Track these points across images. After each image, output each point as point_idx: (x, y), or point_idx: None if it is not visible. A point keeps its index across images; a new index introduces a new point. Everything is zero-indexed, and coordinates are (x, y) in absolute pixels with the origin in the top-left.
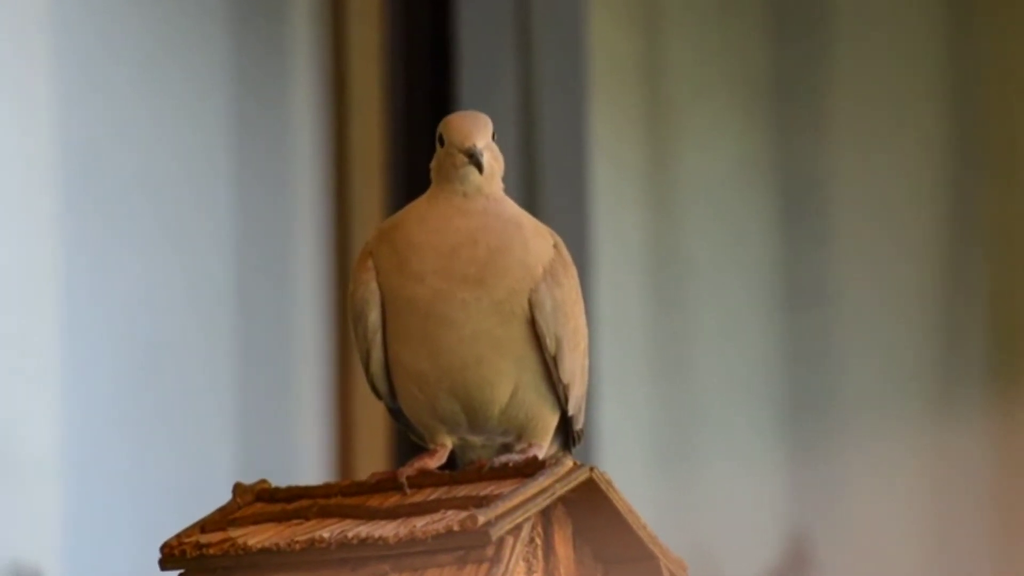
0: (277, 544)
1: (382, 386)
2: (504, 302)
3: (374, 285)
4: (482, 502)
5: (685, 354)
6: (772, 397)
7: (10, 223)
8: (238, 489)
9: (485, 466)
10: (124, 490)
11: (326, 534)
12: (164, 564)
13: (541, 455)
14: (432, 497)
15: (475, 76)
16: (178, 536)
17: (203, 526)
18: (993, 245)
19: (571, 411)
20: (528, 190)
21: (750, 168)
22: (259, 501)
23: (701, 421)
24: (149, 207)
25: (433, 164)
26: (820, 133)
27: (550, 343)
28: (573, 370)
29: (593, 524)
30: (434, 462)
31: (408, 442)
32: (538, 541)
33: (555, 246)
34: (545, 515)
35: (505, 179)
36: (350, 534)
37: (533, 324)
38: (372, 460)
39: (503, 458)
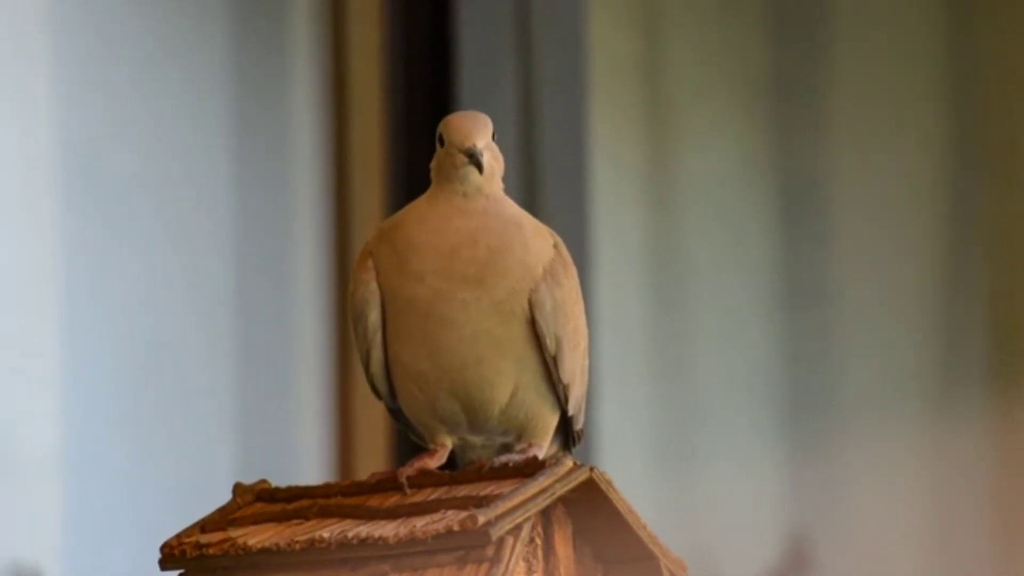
0: (277, 544)
1: (382, 386)
2: (504, 302)
3: (374, 285)
4: (482, 502)
5: (685, 354)
6: (772, 397)
7: (10, 223)
8: (238, 489)
9: (485, 466)
10: (124, 490)
11: (326, 534)
12: (164, 564)
13: (541, 455)
14: (432, 497)
15: (475, 76)
16: (178, 536)
17: (203, 526)
18: (993, 245)
19: (571, 411)
20: (528, 190)
21: (750, 168)
22: (259, 501)
23: (701, 421)
24: (149, 207)
25: (433, 164)
26: (820, 133)
27: (550, 343)
28: (573, 370)
29: (593, 524)
30: (434, 462)
31: (408, 442)
32: (538, 541)
33: (555, 246)
34: (545, 515)
35: (505, 179)
36: (350, 534)
37: (533, 324)
38: (372, 460)
39: (503, 458)
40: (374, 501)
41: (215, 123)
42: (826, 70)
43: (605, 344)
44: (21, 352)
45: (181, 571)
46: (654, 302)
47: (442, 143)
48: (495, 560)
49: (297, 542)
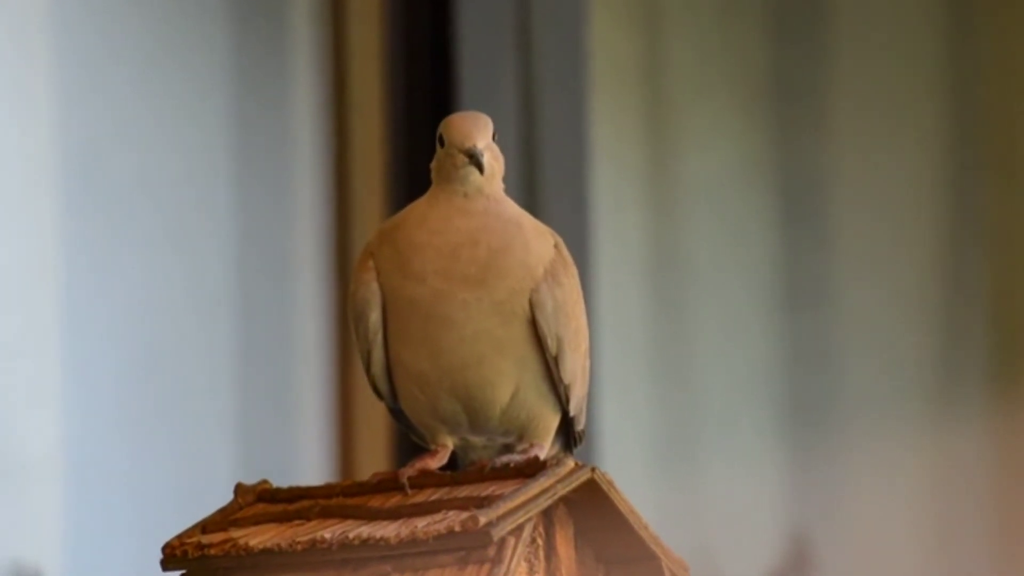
0: (279, 545)
1: (383, 386)
2: (505, 302)
3: (375, 285)
4: (483, 503)
5: (686, 354)
6: (773, 397)
7: (10, 223)
8: (239, 490)
9: (486, 467)
10: (124, 490)
11: (328, 535)
12: (166, 565)
13: (542, 456)
14: (433, 498)
15: (475, 76)
16: (179, 537)
17: (204, 527)
18: (993, 245)
19: (572, 412)
20: (528, 190)
21: (750, 168)
22: (260, 502)
23: (702, 421)
24: (149, 207)
25: (434, 164)
26: (820, 133)
27: (551, 343)
28: (574, 371)
29: (595, 524)
30: (435, 463)
31: (409, 443)
32: (539, 542)
33: (556, 246)
34: (547, 516)
35: (505, 179)
36: (351, 535)
37: (534, 324)
38: (373, 461)
39: (504, 458)
40: (375, 502)
41: (215, 123)
42: (826, 70)
43: (606, 345)
44: (21, 352)
45: (183, 572)
46: (654, 302)
47: (443, 143)
48: (496, 561)
49: (299, 543)
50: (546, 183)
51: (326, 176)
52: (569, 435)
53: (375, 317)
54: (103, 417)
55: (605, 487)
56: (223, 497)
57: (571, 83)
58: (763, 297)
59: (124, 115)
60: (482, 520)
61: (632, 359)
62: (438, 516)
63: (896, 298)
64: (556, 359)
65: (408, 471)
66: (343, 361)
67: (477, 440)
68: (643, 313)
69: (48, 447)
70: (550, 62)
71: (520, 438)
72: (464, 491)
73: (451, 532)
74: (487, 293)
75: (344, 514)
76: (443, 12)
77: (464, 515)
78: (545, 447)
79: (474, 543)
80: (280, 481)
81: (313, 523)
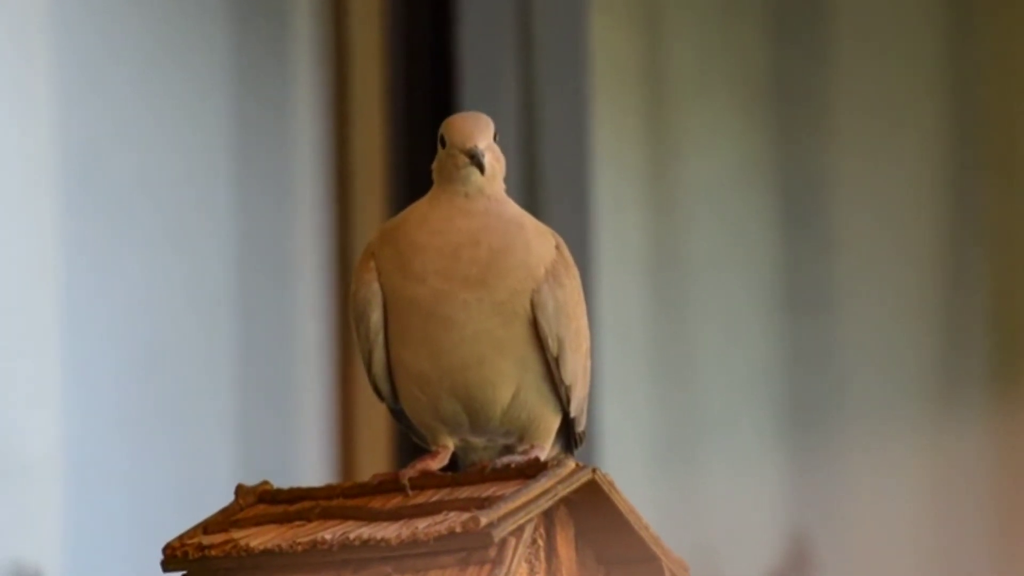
0: (279, 545)
1: (384, 387)
2: (506, 303)
3: (376, 286)
4: (484, 503)
5: (686, 356)
6: (773, 398)
7: (10, 223)
8: (240, 490)
9: (487, 467)
10: (124, 490)
11: (328, 536)
12: (166, 566)
13: (543, 456)
14: (434, 498)
15: (476, 77)
16: (180, 537)
17: (205, 527)
18: (994, 246)
19: (573, 412)
20: (529, 191)
21: (751, 169)
22: (261, 502)
23: (703, 423)
24: (149, 207)
25: (435, 165)
26: (821, 134)
27: (552, 344)
28: (575, 371)
29: (595, 525)
30: (436, 463)
31: (410, 443)
32: (540, 542)
33: (557, 247)
34: (547, 516)
35: (506, 180)
36: (352, 535)
37: (535, 325)
38: (374, 461)
39: (505, 459)
40: (376, 503)
41: (215, 123)
42: (827, 71)
43: (606, 346)
44: (21, 352)
45: (183, 572)
46: (655, 303)
47: (444, 144)
48: (497, 561)
49: (299, 543)
50: (546, 183)
51: (327, 176)
52: (570, 436)
53: (376, 317)
54: (103, 417)
55: (606, 488)
56: (223, 498)
57: (571, 83)
58: (763, 297)
59: (124, 115)
60: (483, 521)
61: (632, 360)
62: (439, 517)
63: (896, 298)
64: (557, 360)
65: (409, 472)
66: (343, 361)
67: (478, 441)
68: (643, 313)
69: (48, 447)
70: (551, 63)
71: (521, 439)
72: (465, 492)
73: (452, 533)
74: (488, 293)
75: (345, 515)
76: (444, 13)
77: (465, 516)
78: (546, 448)
79: (475, 544)
80: (280, 482)
81: (314, 524)
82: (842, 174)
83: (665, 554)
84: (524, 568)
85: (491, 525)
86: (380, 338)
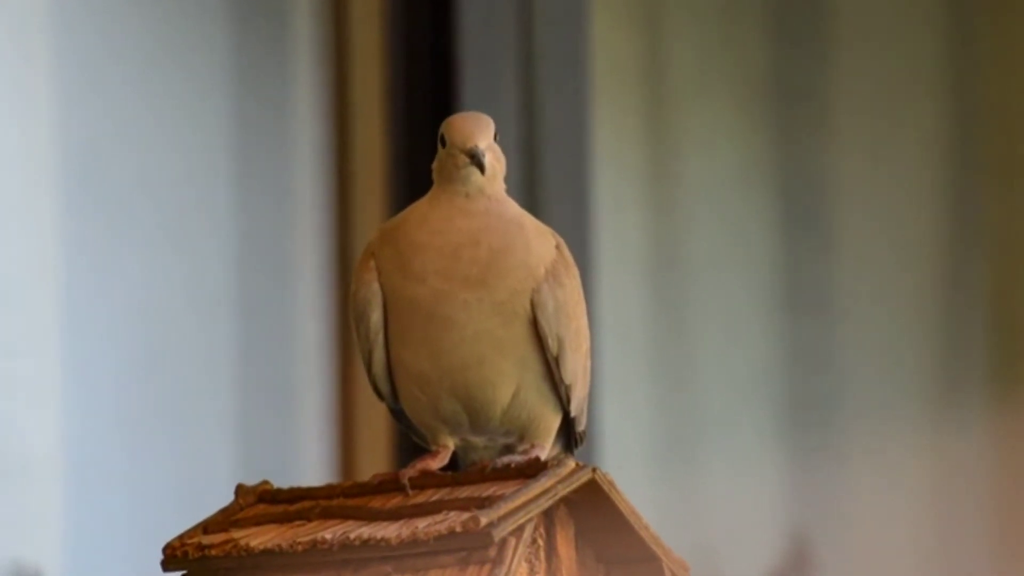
0: (279, 545)
1: (384, 387)
2: (506, 303)
3: (376, 286)
4: (484, 503)
5: (686, 355)
6: (773, 398)
7: (10, 223)
8: (240, 490)
9: (487, 467)
10: (124, 490)
11: (328, 535)
12: (166, 565)
13: (543, 456)
14: (434, 498)
15: (477, 77)
16: (180, 537)
17: (205, 527)
18: (993, 246)
19: (573, 412)
20: (529, 191)
21: (751, 169)
22: (261, 502)
23: (703, 422)
24: (149, 207)
25: (435, 165)
26: (821, 134)
27: (552, 344)
28: (575, 371)
29: (595, 525)
30: (436, 463)
31: (410, 443)
32: (540, 542)
33: (557, 247)
34: (547, 516)
35: (506, 180)
36: (352, 535)
37: (535, 325)
38: (374, 461)
39: (505, 459)
40: (376, 502)
41: (215, 123)
42: (827, 71)
43: (607, 345)
44: (21, 352)
45: (183, 572)
46: (655, 302)
47: (444, 144)
48: (497, 561)
49: (299, 543)
50: (547, 183)
51: (327, 176)
52: (570, 436)
53: (376, 317)
54: (103, 417)
55: (606, 488)
56: (223, 497)
57: (572, 83)
58: (763, 297)
59: (124, 115)
60: (483, 521)
61: (632, 359)
62: (439, 517)
63: (896, 299)
64: (557, 360)
65: (409, 472)
66: (343, 361)
67: (478, 440)
68: (643, 313)
69: (48, 447)
70: (551, 62)
71: (521, 439)
72: (465, 492)
73: (452, 533)
74: (488, 293)
75: (345, 515)
76: (444, 13)
77: (465, 516)
78: (546, 448)
79: (475, 544)
80: (280, 481)
81: (314, 524)
82: (842, 174)
83: (665, 554)
84: (524, 568)
85: (491, 525)
86: (380, 338)
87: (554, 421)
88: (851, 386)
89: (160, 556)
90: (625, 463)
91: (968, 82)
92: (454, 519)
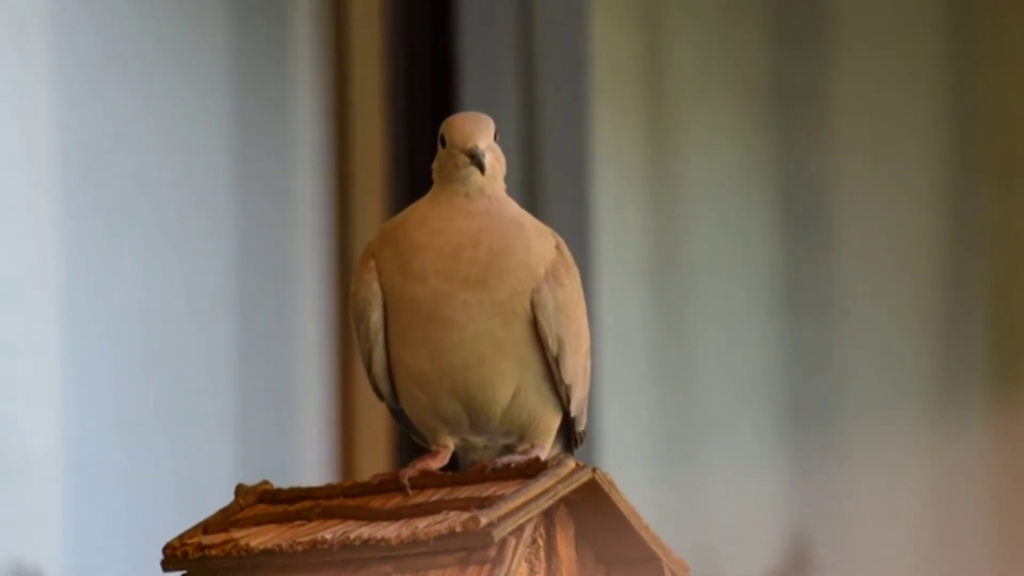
0: (279, 545)
1: (384, 387)
2: (506, 303)
3: (376, 286)
4: (484, 503)
5: (686, 355)
6: (773, 398)
7: (10, 223)
8: (240, 490)
9: (487, 467)
10: (124, 490)
11: (328, 535)
12: (166, 565)
13: (543, 456)
14: (434, 498)
15: (477, 77)
16: (180, 537)
17: (205, 527)
18: (993, 247)
19: (573, 412)
20: (529, 191)
21: (752, 170)
22: (261, 502)
23: (703, 423)
24: (149, 208)
25: (435, 165)
26: (821, 135)
27: (552, 344)
28: (575, 371)
29: (595, 525)
30: (436, 463)
31: (410, 443)
32: (540, 542)
33: (557, 247)
34: (547, 516)
35: (506, 180)
36: (352, 535)
37: (535, 325)
38: (374, 461)
39: (505, 459)
40: (376, 502)
41: (215, 123)
42: (827, 72)
43: (607, 346)
44: (21, 352)
45: (183, 572)
46: (654, 303)
47: (444, 144)
48: (497, 561)
49: (299, 543)
50: (547, 183)
51: (327, 176)
52: (570, 436)
53: (376, 317)
54: (103, 417)
55: (606, 488)
56: (223, 497)
57: (572, 83)
58: (763, 298)
59: (124, 115)
60: (483, 521)
61: (632, 360)
62: (439, 517)
63: (896, 299)
64: (557, 360)
65: (409, 472)
66: (343, 361)
67: (478, 441)
68: (643, 313)
69: (48, 447)
70: (551, 63)
71: (521, 439)
72: (465, 492)
73: (452, 533)
74: (488, 294)
75: (345, 515)
76: (444, 13)
77: (465, 516)
78: (546, 448)
79: (475, 544)
80: (280, 482)
81: (314, 524)
82: (842, 175)
83: (665, 554)
84: (524, 568)
85: (491, 525)
86: (380, 338)
87: (554, 421)
88: (851, 386)
89: (160, 556)
90: (625, 463)
91: (968, 82)
92: (454, 519)
